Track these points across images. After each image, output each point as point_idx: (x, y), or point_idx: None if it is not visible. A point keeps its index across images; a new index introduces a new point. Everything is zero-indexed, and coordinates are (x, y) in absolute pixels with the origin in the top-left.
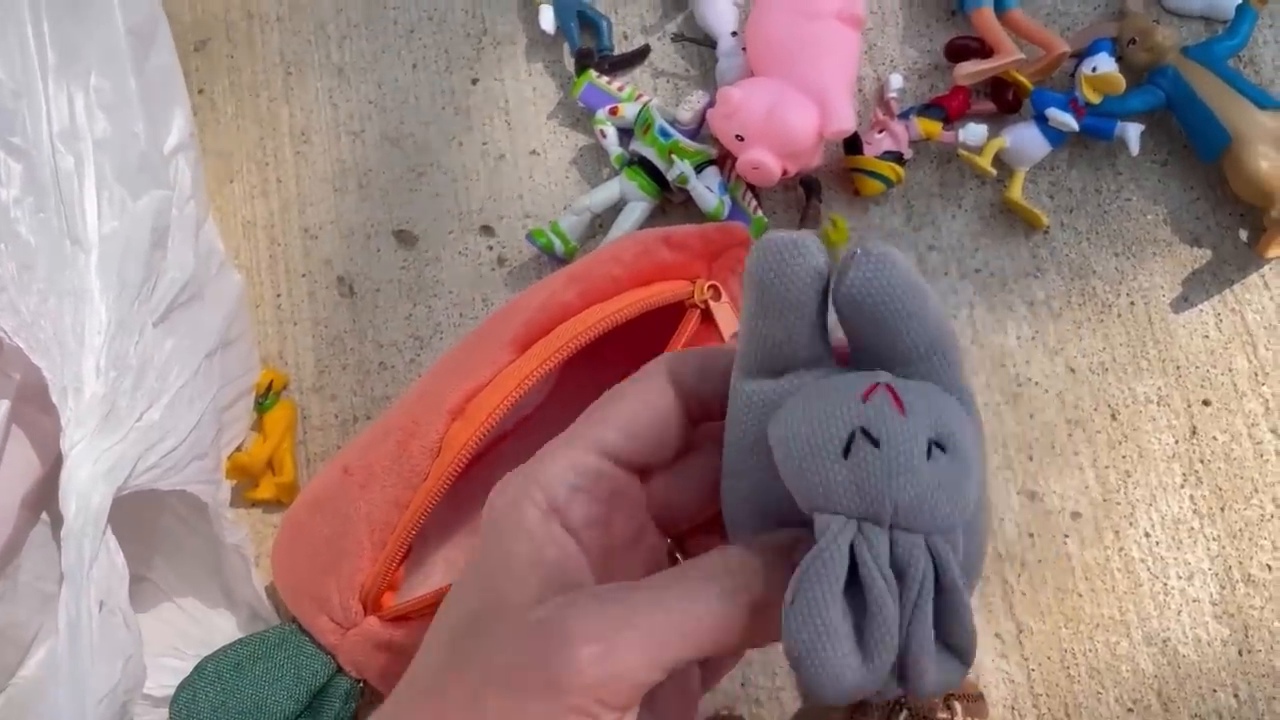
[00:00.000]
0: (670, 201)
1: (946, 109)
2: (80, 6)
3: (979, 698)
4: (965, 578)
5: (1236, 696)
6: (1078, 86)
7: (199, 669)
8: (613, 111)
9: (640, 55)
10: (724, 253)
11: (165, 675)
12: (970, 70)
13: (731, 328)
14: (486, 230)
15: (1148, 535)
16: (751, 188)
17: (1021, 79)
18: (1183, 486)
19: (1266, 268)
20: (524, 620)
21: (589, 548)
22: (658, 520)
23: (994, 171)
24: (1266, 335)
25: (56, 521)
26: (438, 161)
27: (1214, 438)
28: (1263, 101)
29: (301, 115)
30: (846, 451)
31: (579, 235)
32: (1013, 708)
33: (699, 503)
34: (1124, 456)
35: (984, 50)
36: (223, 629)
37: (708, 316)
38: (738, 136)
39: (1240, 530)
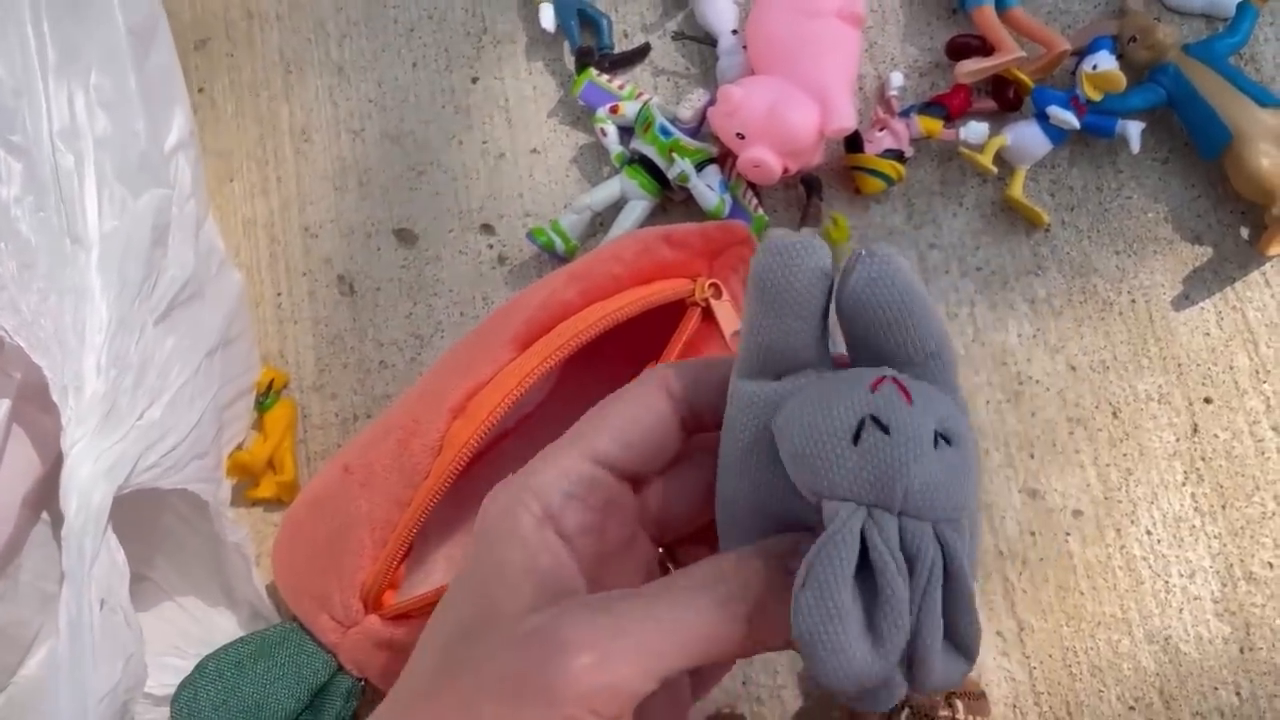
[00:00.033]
0: (671, 200)
1: (947, 107)
2: (80, 5)
3: (981, 696)
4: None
5: (1238, 694)
6: (1079, 84)
7: (200, 667)
8: (613, 110)
9: (641, 53)
10: (725, 251)
11: (166, 674)
12: (971, 68)
13: (732, 326)
14: (487, 229)
15: (1149, 533)
16: (752, 186)
17: (1022, 77)
18: (1184, 484)
19: (1268, 265)
20: (517, 629)
21: (582, 556)
22: (649, 530)
23: (995, 169)
24: (1268, 333)
25: (57, 520)
26: (438, 160)
27: (1215, 435)
28: (1264, 99)
29: (301, 114)
30: (856, 438)
31: (579, 234)
32: (1014, 706)
33: (691, 512)
34: (1125, 454)
35: (985, 48)
36: (224, 628)
37: (708, 315)
38: (738, 134)
39: (1242, 528)
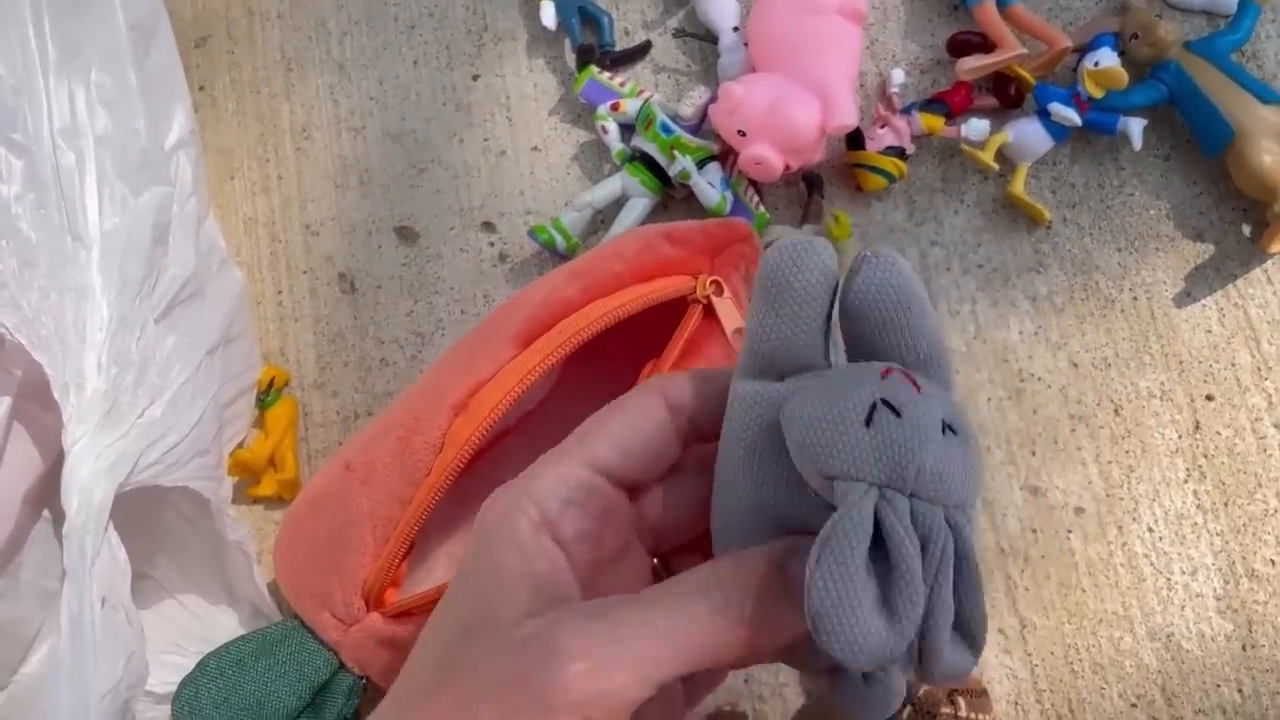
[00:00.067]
0: (672, 197)
1: (949, 104)
2: (81, 3)
3: (983, 693)
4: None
5: (1240, 691)
6: (1080, 81)
7: (201, 666)
8: (614, 107)
9: (642, 51)
10: (726, 248)
11: (167, 672)
12: (972, 65)
13: (734, 323)
14: (488, 226)
15: (1151, 530)
16: (753, 183)
17: (1024, 74)
18: (1186, 481)
19: (1269, 262)
20: (514, 633)
21: (578, 562)
22: (644, 538)
23: (996, 167)
24: (1269, 330)
25: (58, 518)
26: (439, 158)
27: (1217, 433)
28: (1265, 96)
29: (302, 112)
30: (869, 421)
31: (580, 231)
32: (1016, 703)
33: (687, 521)
34: (1127, 452)
35: (986, 45)
36: (225, 626)
37: (710, 312)
38: (740, 132)
39: (1244, 525)
